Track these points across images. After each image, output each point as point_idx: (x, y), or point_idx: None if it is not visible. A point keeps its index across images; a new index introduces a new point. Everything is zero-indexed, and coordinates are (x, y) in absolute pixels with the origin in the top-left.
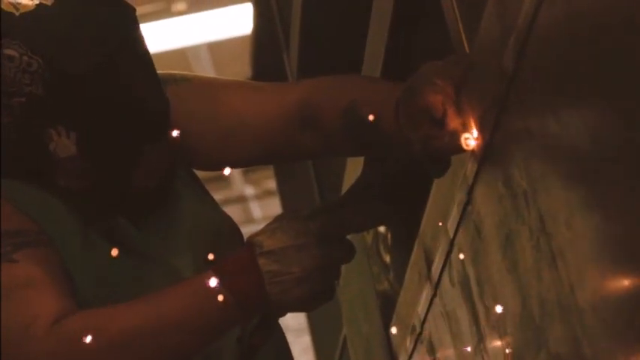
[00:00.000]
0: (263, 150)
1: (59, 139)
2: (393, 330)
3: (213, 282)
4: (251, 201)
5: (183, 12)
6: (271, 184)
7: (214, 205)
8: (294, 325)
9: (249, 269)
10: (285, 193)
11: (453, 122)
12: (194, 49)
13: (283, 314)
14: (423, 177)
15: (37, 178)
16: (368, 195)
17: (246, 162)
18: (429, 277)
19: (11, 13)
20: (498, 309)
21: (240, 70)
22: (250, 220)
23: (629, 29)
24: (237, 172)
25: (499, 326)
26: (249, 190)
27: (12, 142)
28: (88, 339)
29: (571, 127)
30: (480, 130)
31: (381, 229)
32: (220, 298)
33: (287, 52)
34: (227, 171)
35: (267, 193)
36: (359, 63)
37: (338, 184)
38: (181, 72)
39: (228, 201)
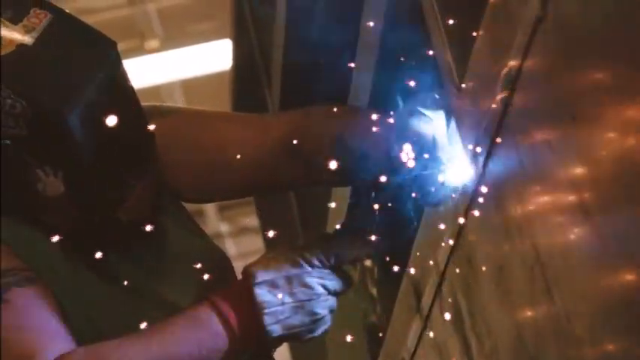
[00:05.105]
0: (251, 182)
1: (47, 179)
2: None
3: (209, 313)
4: (226, 238)
5: (157, 49)
6: (246, 221)
7: (203, 236)
8: None
9: (245, 300)
10: (266, 228)
11: (445, 153)
12: (167, 87)
13: (278, 345)
14: (413, 208)
15: (26, 217)
16: (363, 226)
17: (234, 194)
18: (418, 309)
19: None
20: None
21: (215, 107)
22: None
23: (622, 65)
24: (213, 208)
25: (492, 357)
26: (225, 227)
27: (1, 184)
28: None
29: (564, 157)
30: (473, 160)
31: (367, 262)
32: (217, 329)
33: (269, 88)
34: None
35: (243, 230)
36: (343, 98)
37: (322, 219)
38: (167, 104)
39: None
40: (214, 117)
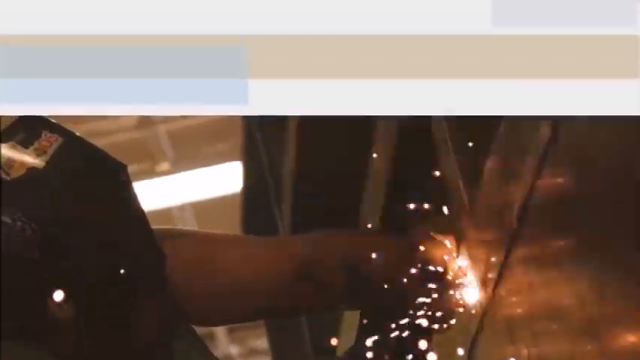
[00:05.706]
0: (263, 307)
1: (56, 304)
2: None
3: None
4: None
5: (168, 172)
6: (256, 342)
7: (212, 359)
8: None
9: None
10: (276, 350)
11: (455, 277)
12: (179, 209)
13: None
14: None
15: (35, 341)
16: (373, 350)
17: (246, 318)
18: None
19: (3, 179)
20: None
21: (227, 230)
22: None
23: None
24: (222, 330)
25: None
26: (234, 349)
27: (10, 307)
28: None
29: (575, 281)
30: (482, 284)
31: None
32: None
33: (279, 209)
34: None
35: (253, 352)
36: (355, 218)
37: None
38: (179, 227)
39: None
40: (227, 240)
